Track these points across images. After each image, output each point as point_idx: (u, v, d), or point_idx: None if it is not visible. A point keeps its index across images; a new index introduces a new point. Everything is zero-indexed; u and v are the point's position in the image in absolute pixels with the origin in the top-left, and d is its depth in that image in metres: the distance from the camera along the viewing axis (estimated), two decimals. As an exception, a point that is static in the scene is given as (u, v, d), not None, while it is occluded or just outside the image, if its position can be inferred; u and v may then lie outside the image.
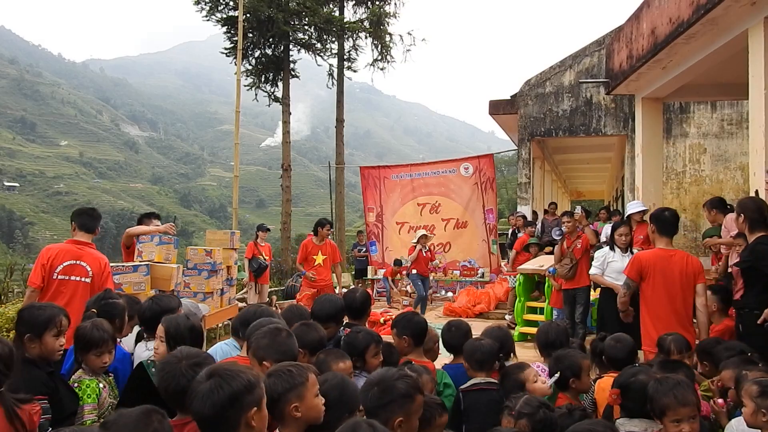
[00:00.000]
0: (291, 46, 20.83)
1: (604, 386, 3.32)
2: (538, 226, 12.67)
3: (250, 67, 20.63)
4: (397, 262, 12.44)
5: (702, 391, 3.32)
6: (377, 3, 21.53)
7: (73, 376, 2.96)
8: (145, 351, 3.49)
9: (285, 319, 3.41)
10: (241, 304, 8.52)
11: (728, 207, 6.12)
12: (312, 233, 8.88)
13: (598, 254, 6.52)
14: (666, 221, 4.68)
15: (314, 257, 8.46)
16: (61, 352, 3.02)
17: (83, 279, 4.55)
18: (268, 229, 11.33)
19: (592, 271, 6.44)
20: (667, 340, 3.78)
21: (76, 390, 2.88)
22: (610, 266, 6.19)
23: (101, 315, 3.39)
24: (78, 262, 4.55)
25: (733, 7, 5.26)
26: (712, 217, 6.25)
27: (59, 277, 4.45)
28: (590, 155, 16.84)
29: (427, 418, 2.49)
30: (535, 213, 13.37)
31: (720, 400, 3.10)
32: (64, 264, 4.48)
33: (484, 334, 3.83)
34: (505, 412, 2.62)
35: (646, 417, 2.66)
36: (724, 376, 3.08)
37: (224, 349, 3.61)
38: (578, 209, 8.00)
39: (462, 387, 3.28)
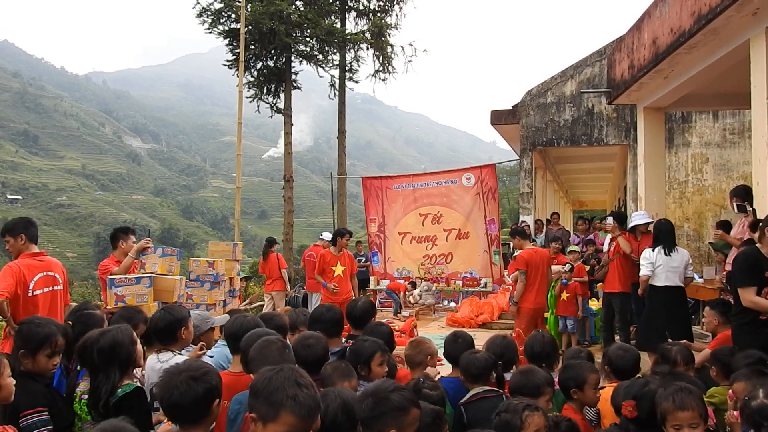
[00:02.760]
0: (293, 58, 20.90)
1: (606, 396, 3.26)
2: (542, 236, 12.68)
3: (252, 79, 20.69)
4: (412, 284, 12.45)
5: (706, 398, 3.28)
6: (379, 15, 21.62)
7: (78, 389, 2.92)
8: (157, 363, 3.24)
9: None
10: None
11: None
12: (330, 243, 8.74)
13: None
14: (522, 232, 7.74)
15: (333, 268, 8.20)
16: (54, 369, 3.00)
17: (56, 287, 4.55)
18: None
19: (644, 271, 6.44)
20: (672, 351, 3.72)
21: (83, 402, 2.85)
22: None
23: (78, 326, 3.37)
24: (47, 273, 4.52)
25: (735, 17, 5.25)
26: (733, 205, 6.20)
27: (35, 292, 4.38)
28: (592, 165, 16.84)
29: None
30: (540, 222, 13.37)
31: (735, 412, 3.07)
32: (36, 279, 4.41)
33: (487, 344, 3.79)
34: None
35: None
36: (736, 388, 3.04)
37: (225, 352, 3.62)
38: (610, 219, 8.10)
39: (462, 401, 3.24)
